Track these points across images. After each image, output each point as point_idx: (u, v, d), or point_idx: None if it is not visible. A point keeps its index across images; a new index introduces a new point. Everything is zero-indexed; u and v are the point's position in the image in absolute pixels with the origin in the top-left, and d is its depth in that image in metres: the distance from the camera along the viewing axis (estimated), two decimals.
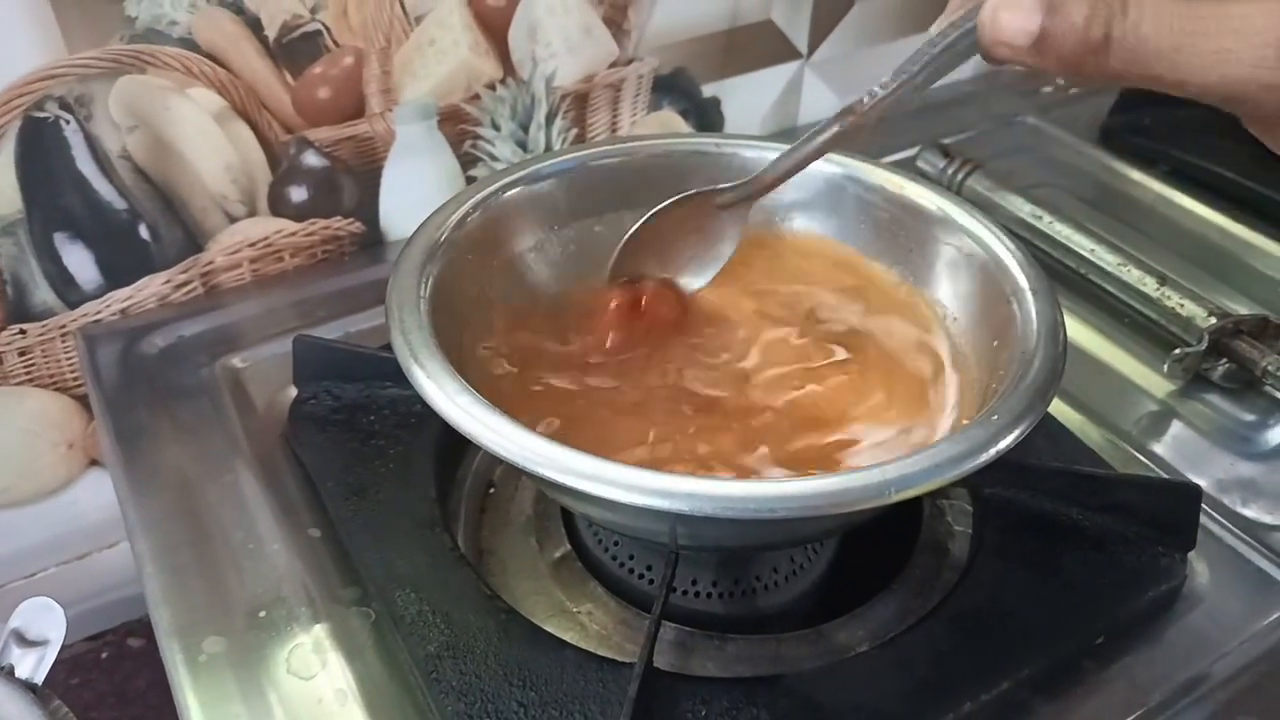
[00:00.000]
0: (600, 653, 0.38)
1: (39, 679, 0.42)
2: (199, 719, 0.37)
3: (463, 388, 0.34)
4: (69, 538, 0.60)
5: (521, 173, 0.44)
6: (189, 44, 0.51)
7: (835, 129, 0.36)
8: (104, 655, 0.62)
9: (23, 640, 0.43)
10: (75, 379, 0.56)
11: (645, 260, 0.42)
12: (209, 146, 0.54)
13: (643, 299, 0.42)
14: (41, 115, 0.49)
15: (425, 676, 0.36)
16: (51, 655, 0.43)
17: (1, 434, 0.55)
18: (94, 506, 0.60)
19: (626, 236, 0.41)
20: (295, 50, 0.54)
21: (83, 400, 0.57)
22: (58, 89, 0.49)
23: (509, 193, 0.44)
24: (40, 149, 0.50)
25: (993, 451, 0.32)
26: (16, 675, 0.41)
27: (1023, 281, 0.39)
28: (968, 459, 0.31)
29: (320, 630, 0.40)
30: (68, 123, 0.50)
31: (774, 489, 0.31)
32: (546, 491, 0.42)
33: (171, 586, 0.41)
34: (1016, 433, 0.32)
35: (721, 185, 0.41)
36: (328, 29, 0.54)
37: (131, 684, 0.61)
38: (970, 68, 0.82)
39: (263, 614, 0.40)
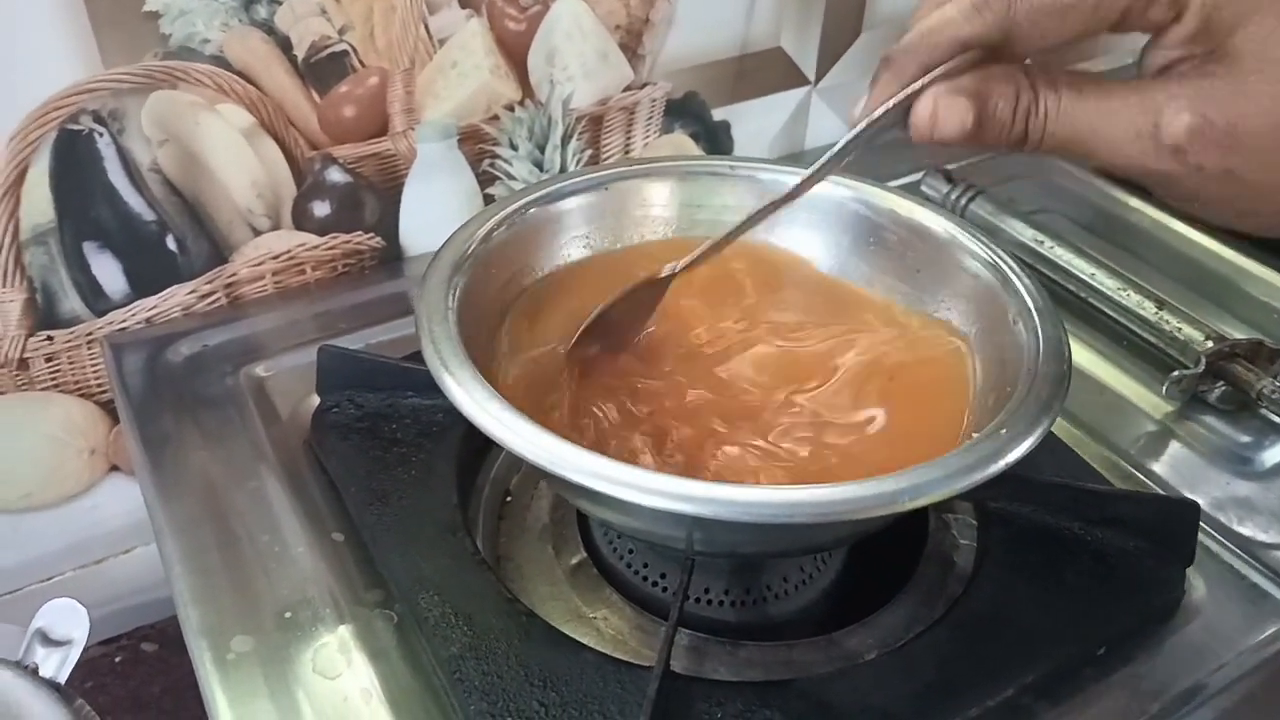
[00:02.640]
0: (617, 656, 0.39)
1: (62, 678, 0.43)
2: (228, 716, 0.38)
3: (491, 394, 0.35)
4: (88, 542, 0.61)
5: (545, 191, 0.46)
6: (220, 61, 0.53)
7: (764, 211, 0.41)
8: (118, 660, 0.63)
9: (47, 640, 0.44)
10: (99, 386, 0.57)
11: (602, 341, 0.43)
12: (237, 161, 0.55)
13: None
14: (76, 128, 0.51)
15: (449, 677, 0.38)
16: (75, 655, 0.44)
17: (27, 439, 0.56)
18: (113, 512, 0.61)
19: (581, 329, 0.42)
20: (322, 70, 0.55)
21: (105, 407, 0.58)
22: (92, 103, 0.51)
23: (532, 210, 0.45)
24: (74, 161, 0.51)
25: (1001, 464, 0.33)
26: (40, 674, 0.42)
27: (1029, 303, 0.40)
28: (977, 470, 0.33)
29: (345, 631, 0.41)
30: (101, 136, 0.52)
31: (792, 495, 0.32)
32: (568, 496, 0.43)
33: (200, 588, 0.42)
34: (1024, 446, 0.34)
35: (663, 272, 0.43)
36: (354, 50, 0.56)
37: (146, 689, 0.62)
38: None
39: (289, 615, 0.41)
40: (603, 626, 0.43)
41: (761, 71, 0.71)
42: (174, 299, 0.57)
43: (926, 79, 0.34)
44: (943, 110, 0.33)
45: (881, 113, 0.36)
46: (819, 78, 0.74)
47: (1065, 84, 0.33)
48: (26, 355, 0.55)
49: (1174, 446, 0.53)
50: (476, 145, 0.62)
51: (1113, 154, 0.32)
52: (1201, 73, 0.31)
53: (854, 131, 0.37)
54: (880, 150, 0.79)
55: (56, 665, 0.43)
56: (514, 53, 0.60)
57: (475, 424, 0.34)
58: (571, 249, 0.47)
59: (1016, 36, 0.33)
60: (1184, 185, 0.32)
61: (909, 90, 0.34)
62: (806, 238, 0.48)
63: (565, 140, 0.65)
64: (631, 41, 0.64)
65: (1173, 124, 0.30)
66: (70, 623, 0.44)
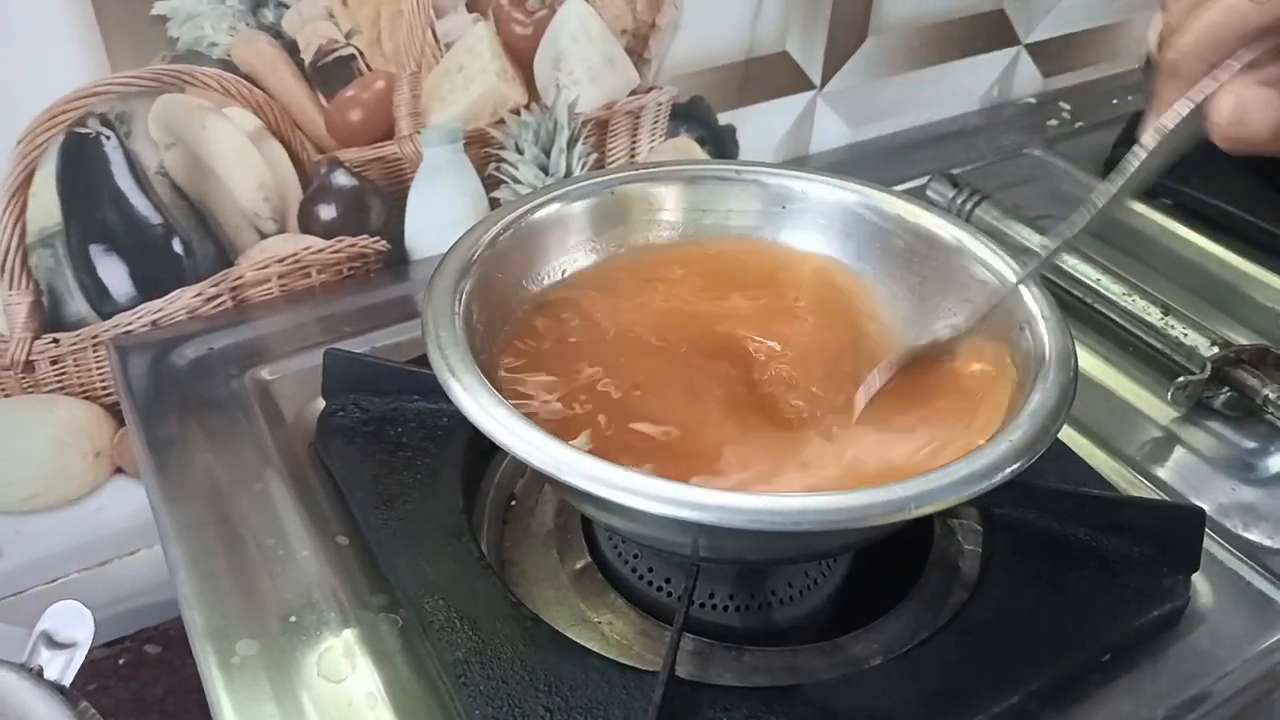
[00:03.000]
0: (622, 661, 0.39)
1: (67, 680, 0.43)
2: (233, 719, 0.38)
3: (497, 400, 0.35)
4: (92, 545, 0.61)
5: (550, 195, 0.46)
6: (227, 65, 0.53)
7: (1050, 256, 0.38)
8: (122, 662, 0.63)
9: (52, 642, 0.44)
10: (105, 388, 0.57)
11: None
12: (243, 164, 0.55)
13: None
14: (84, 131, 0.51)
15: (454, 681, 0.38)
16: (80, 657, 0.44)
17: (32, 441, 0.56)
18: (118, 514, 0.61)
19: None
20: (329, 73, 0.55)
21: (111, 409, 0.58)
22: (100, 106, 0.51)
23: (538, 214, 0.45)
24: (81, 164, 0.52)
25: (1007, 471, 0.33)
26: (45, 676, 0.43)
27: (1035, 309, 0.40)
28: (984, 478, 0.33)
29: (350, 635, 0.41)
30: (108, 139, 0.52)
31: (799, 502, 0.32)
32: (573, 502, 0.43)
33: (205, 591, 0.42)
34: (1030, 454, 0.34)
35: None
36: (361, 54, 0.56)
37: (149, 691, 0.62)
38: (977, 100, 0.84)
39: (293, 619, 0.41)
40: (607, 631, 0.43)
41: (767, 76, 0.71)
42: (180, 302, 0.57)
43: (1226, 75, 0.30)
44: (1252, 105, 0.29)
45: (1177, 121, 0.32)
46: (824, 82, 0.74)
47: None
48: (32, 357, 0.55)
49: (1179, 452, 0.53)
50: (482, 149, 0.62)
51: None
52: None
53: (1151, 145, 0.33)
54: (884, 155, 0.79)
55: (61, 667, 0.43)
56: (520, 57, 0.60)
57: (480, 429, 0.35)
58: (577, 253, 0.47)
59: None
60: None
61: (1205, 90, 0.31)
62: (813, 242, 0.48)
63: (571, 144, 0.65)
64: (637, 46, 0.64)
65: None
66: (75, 625, 0.44)
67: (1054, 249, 0.39)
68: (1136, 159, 0.34)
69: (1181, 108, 0.32)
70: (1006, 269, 0.42)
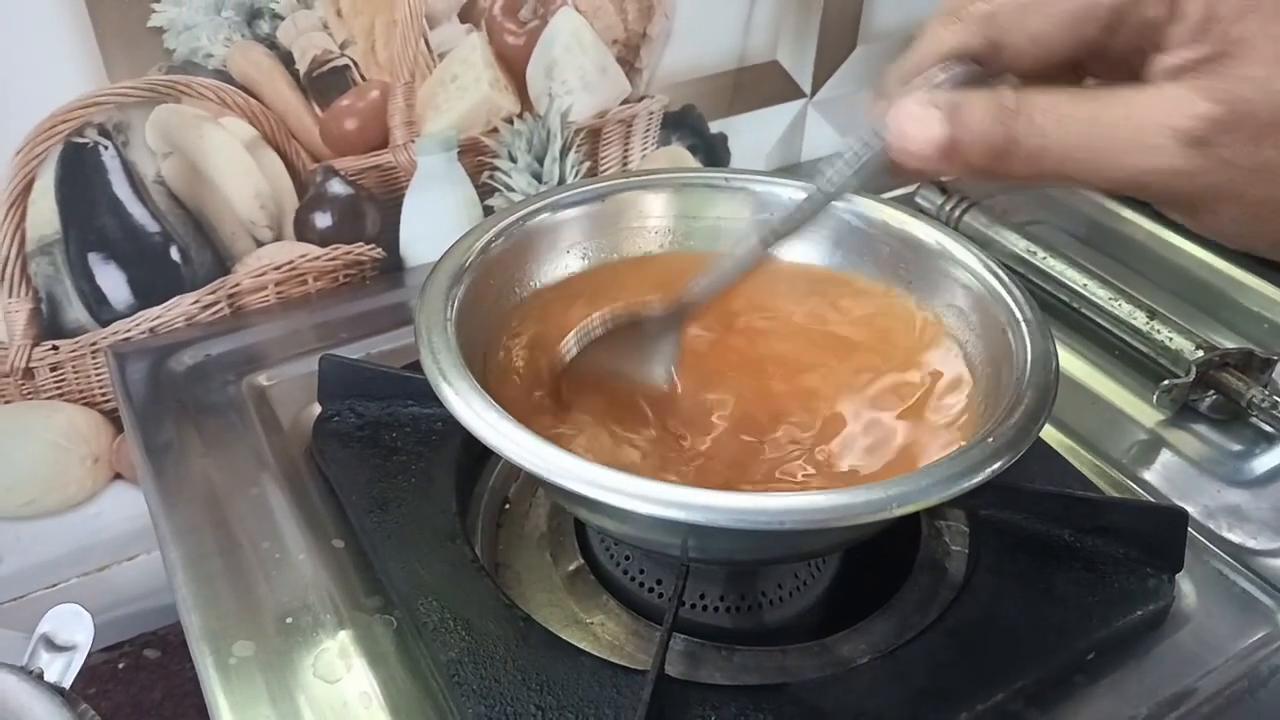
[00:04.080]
0: (614, 660, 0.39)
1: (67, 683, 0.43)
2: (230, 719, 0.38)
3: (489, 404, 0.36)
4: (91, 550, 0.62)
5: (543, 202, 0.46)
6: (223, 76, 0.54)
7: (755, 245, 0.38)
8: (120, 666, 0.64)
9: (51, 645, 0.44)
10: (103, 394, 0.58)
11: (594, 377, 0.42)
12: (240, 173, 0.56)
13: None
14: (82, 141, 0.52)
15: (448, 680, 0.38)
16: (80, 660, 0.44)
17: (32, 446, 0.57)
18: (116, 519, 0.61)
19: (567, 362, 0.41)
20: (324, 83, 0.56)
21: (109, 415, 0.59)
22: (98, 116, 0.52)
23: (530, 221, 0.46)
24: (79, 173, 0.52)
25: (987, 472, 0.34)
26: (45, 679, 0.43)
27: (1018, 313, 0.41)
28: (964, 478, 0.33)
29: (345, 636, 0.41)
30: (106, 148, 0.53)
31: (783, 502, 0.33)
32: (565, 504, 0.43)
33: (202, 593, 0.43)
34: (1010, 455, 0.34)
35: (653, 312, 0.41)
36: (356, 64, 0.56)
37: (147, 695, 0.62)
38: None
39: (290, 620, 0.42)
40: (599, 632, 0.43)
41: (758, 85, 0.72)
42: (177, 309, 0.58)
43: (901, 95, 0.31)
44: (911, 119, 0.29)
45: (860, 143, 0.33)
46: (815, 90, 0.75)
47: (1057, 90, 0.29)
48: (32, 364, 0.55)
49: (1165, 455, 0.53)
50: (476, 157, 0.63)
51: (1116, 163, 0.28)
52: (1215, 68, 0.27)
53: (836, 167, 0.34)
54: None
55: (61, 670, 0.44)
56: (513, 66, 0.61)
57: (473, 433, 0.35)
58: (569, 260, 0.47)
59: (1004, 44, 0.30)
60: (1205, 189, 0.27)
61: (883, 109, 0.31)
62: (799, 249, 0.48)
63: (564, 153, 0.65)
64: (629, 55, 0.65)
65: (1193, 115, 0.26)
66: (75, 628, 0.45)
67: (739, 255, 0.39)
68: (842, 170, 0.34)
69: (867, 132, 0.32)
70: (988, 272, 0.43)
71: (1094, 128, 0.28)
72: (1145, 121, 0.27)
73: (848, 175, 0.34)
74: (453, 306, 0.40)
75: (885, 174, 0.33)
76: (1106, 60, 0.31)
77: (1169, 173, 0.27)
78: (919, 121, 0.29)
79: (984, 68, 0.31)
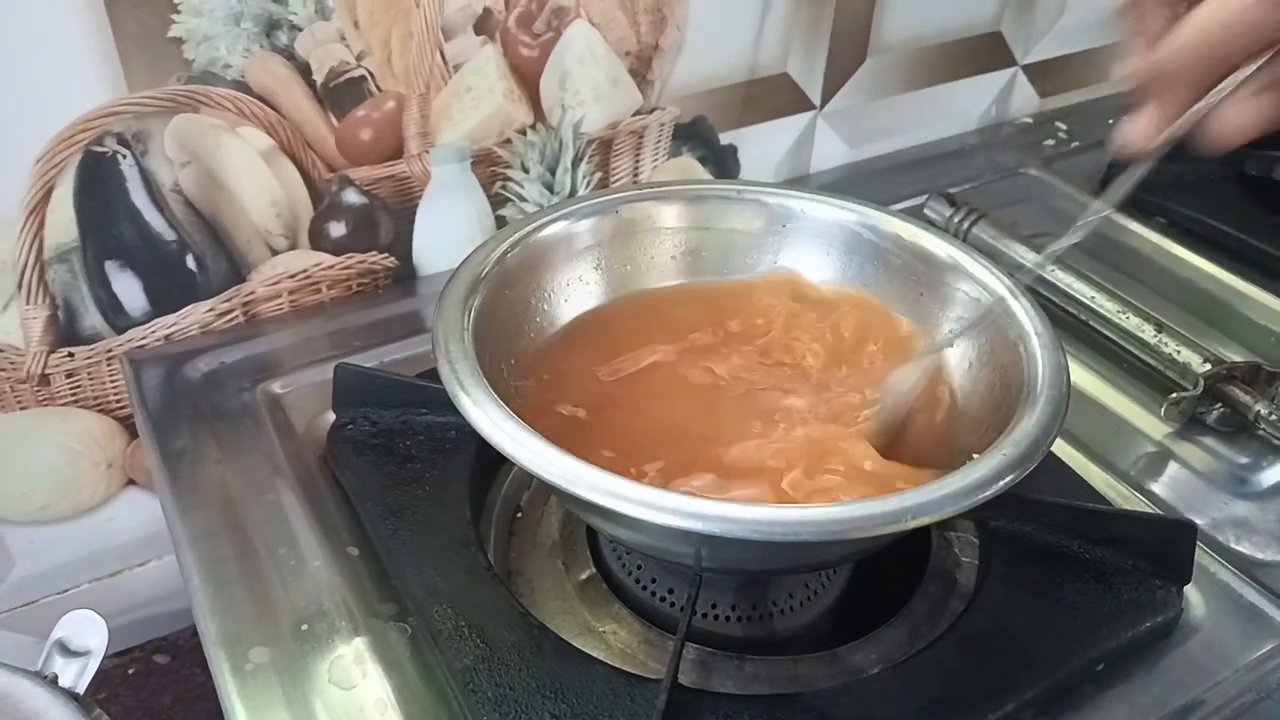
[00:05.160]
0: (627, 669, 0.40)
1: (81, 688, 0.44)
2: None
3: (506, 414, 0.36)
4: (103, 555, 0.62)
5: (558, 213, 0.47)
6: (241, 86, 0.54)
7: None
8: (131, 671, 0.64)
9: (66, 650, 0.45)
10: (118, 401, 0.58)
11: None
12: (256, 183, 0.57)
13: None
14: (101, 150, 0.52)
15: (462, 688, 0.38)
16: (94, 665, 0.44)
17: (47, 452, 0.58)
18: (129, 525, 0.62)
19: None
20: (340, 94, 0.57)
21: (124, 422, 0.59)
22: (117, 125, 0.52)
23: (546, 232, 0.46)
24: (98, 182, 0.53)
25: (1001, 484, 0.34)
26: (60, 684, 0.43)
27: (1029, 326, 0.41)
28: (978, 490, 0.34)
29: (360, 643, 0.42)
30: (125, 157, 0.53)
31: (799, 513, 0.33)
32: (579, 512, 0.44)
33: (218, 599, 0.43)
34: (1023, 467, 0.35)
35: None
36: (372, 75, 0.57)
37: (158, 700, 0.63)
38: (974, 120, 0.86)
39: (305, 627, 0.42)
40: (612, 640, 0.43)
41: (768, 96, 0.72)
42: (193, 317, 0.58)
43: (1231, 81, 0.29)
44: (1256, 115, 0.29)
45: (1178, 134, 0.32)
46: (824, 102, 0.75)
47: None
48: (48, 371, 0.56)
49: (1173, 467, 0.54)
50: (489, 168, 0.63)
51: None
52: None
53: (1157, 148, 0.33)
54: (883, 174, 0.81)
55: (75, 675, 0.44)
56: (527, 78, 0.62)
57: (490, 442, 0.35)
58: (583, 270, 0.48)
59: None
60: None
61: (1213, 102, 0.30)
62: (812, 261, 0.49)
63: (576, 163, 0.66)
64: (641, 67, 0.65)
65: None
66: (89, 633, 0.45)
67: (1049, 252, 0.39)
68: (1134, 175, 0.34)
69: (1187, 120, 0.31)
70: (1000, 285, 0.43)
71: None
72: None
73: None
74: (469, 316, 0.41)
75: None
76: None
77: None
78: (1260, 116, 0.29)
79: None
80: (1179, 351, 0.57)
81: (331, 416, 0.50)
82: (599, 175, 0.68)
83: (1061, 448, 0.53)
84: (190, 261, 0.57)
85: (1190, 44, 0.30)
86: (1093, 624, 0.42)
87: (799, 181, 0.77)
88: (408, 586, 0.43)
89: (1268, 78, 0.29)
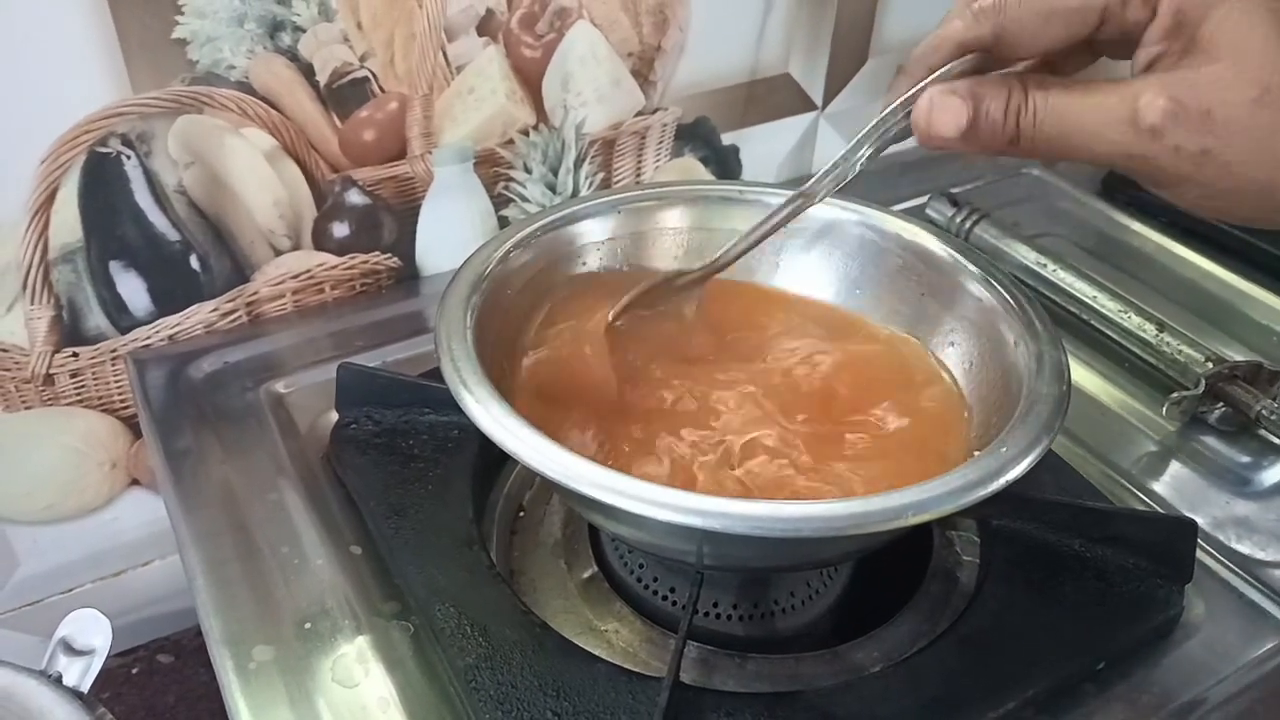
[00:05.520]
0: (628, 667, 0.40)
1: (85, 687, 0.44)
2: None
3: (508, 411, 0.36)
4: (107, 555, 0.62)
5: (561, 213, 0.47)
6: (245, 87, 0.54)
7: (790, 209, 0.42)
8: (134, 671, 0.64)
9: (70, 649, 0.45)
10: (122, 401, 0.59)
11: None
12: (259, 183, 0.57)
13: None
14: (105, 150, 0.53)
15: (465, 686, 0.39)
16: (97, 664, 0.45)
17: (51, 451, 0.58)
18: (133, 525, 0.62)
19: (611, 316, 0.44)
20: (344, 95, 0.57)
21: (127, 422, 0.59)
22: (121, 126, 0.52)
23: (549, 232, 0.47)
24: (102, 182, 0.53)
25: (1002, 481, 0.34)
26: (64, 683, 0.44)
27: (1029, 325, 0.41)
28: (979, 487, 0.34)
29: (363, 642, 0.42)
30: (129, 158, 0.53)
31: (800, 510, 0.33)
32: (581, 510, 0.44)
33: (222, 598, 0.43)
34: (1024, 464, 0.35)
35: (688, 270, 0.45)
36: (375, 76, 0.57)
37: (161, 699, 0.63)
38: None
39: (308, 625, 0.42)
40: (613, 639, 0.44)
41: (770, 97, 0.72)
42: (196, 317, 0.58)
43: (926, 80, 0.36)
44: (938, 109, 0.35)
45: (886, 111, 0.37)
46: (826, 103, 0.76)
47: (1053, 84, 0.34)
48: (52, 371, 0.56)
49: (1174, 466, 0.54)
50: (492, 168, 0.64)
51: (1094, 143, 0.33)
52: (1177, 64, 0.33)
53: (864, 130, 0.39)
54: (887, 173, 0.81)
55: (79, 674, 0.44)
56: (529, 79, 0.62)
57: (493, 440, 0.36)
58: (586, 270, 0.48)
59: (1008, 40, 0.35)
60: (1164, 170, 0.33)
61: (910, 91, 0.36)
62: (814, 261, 0.49)
63: (578, 164, 0.66)
64: (644, 68, 0.65)
65: (1150, 108, 0.32)
66: (93, 632, 0.45)
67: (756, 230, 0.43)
68: (855, 139, 0.39)
69: (895, 101, 0.37)
70: (1001, 284, 0.43)
71: (1080, 118, 0.33)
72: (1112, 113, 0.33)
73: (875, 137, 0.38)
74: (472, 315, 0.41)
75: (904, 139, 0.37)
76: (1102, 48, 0.36)
77: (1130, 156, 0.33)
78: (944, 110, 0.35)
79: (991, 54, 0.36)
80: (1180, 351, 0.57)
81: (334, 416, 0.51)
82: (601, 176, 0.68)
83: (1063, 446, 0.53)
84: (194, 262, 0.57)
85: (924, 43, 0.37)
86: (1094, 623, 0.42)
87: (801, 182, 0.77)
88: (410, 585, 0.43)
89: (962, 86, 0.35)
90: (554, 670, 0.39)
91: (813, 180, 0.41)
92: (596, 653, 0.41)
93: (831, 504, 0.33)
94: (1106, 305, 0.61)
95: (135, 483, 0.61)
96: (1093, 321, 0.61)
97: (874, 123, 0.38)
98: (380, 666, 0.41)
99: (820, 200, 0.42)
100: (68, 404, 0.57)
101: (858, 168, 0.40)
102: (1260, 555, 0.48)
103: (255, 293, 0.60)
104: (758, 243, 0.44)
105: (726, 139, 0.72)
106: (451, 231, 0.64)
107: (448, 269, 0.64)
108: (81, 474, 0.59)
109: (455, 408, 0.37)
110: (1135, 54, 0.34)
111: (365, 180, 0.60)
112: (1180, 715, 0.41)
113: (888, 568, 0.46)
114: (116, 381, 0.58)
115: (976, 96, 0.34)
